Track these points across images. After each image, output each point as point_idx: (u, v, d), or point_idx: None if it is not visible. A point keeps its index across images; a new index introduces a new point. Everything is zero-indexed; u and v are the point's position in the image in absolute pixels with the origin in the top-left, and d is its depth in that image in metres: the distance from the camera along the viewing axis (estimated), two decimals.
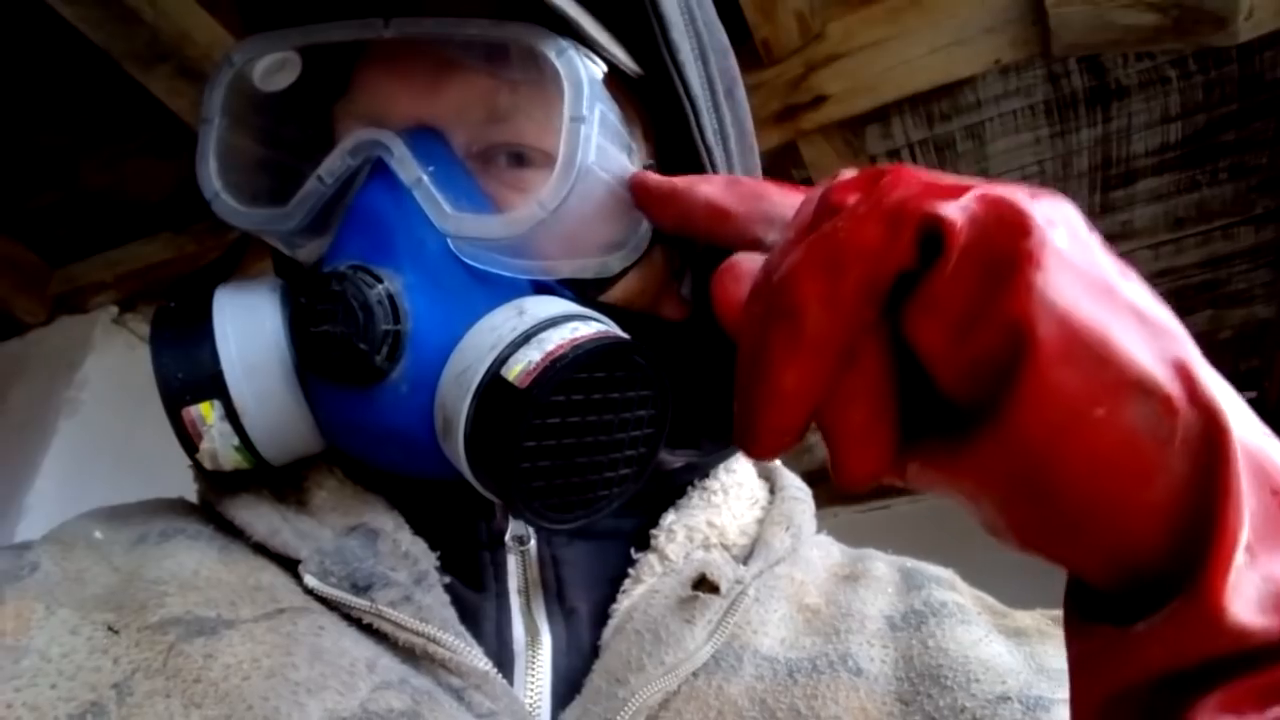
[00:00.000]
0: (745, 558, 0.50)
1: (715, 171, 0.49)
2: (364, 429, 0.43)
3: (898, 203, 0.28)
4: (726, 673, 0.43)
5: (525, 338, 0.40)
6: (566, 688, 0.43)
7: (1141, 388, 0.25)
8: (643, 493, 0.49)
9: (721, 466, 0.54)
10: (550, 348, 0.39)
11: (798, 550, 0.52)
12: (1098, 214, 2.06)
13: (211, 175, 0.47)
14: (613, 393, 0.41)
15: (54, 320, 2.08)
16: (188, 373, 0.43)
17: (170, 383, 0.43)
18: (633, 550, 0.48)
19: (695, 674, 0.42)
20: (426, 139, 0.44)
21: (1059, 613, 0.51)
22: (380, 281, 0.41)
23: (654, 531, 0.49)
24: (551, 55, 0.42)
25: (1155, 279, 2.23)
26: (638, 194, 0.43)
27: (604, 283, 0.47)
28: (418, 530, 0.46)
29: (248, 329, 0.44)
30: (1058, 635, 0.48)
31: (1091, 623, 0.28)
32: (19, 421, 1.93)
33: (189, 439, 0.43)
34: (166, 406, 0.43)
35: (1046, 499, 0.26)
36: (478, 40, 0.44)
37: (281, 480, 0.48)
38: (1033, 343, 0.25)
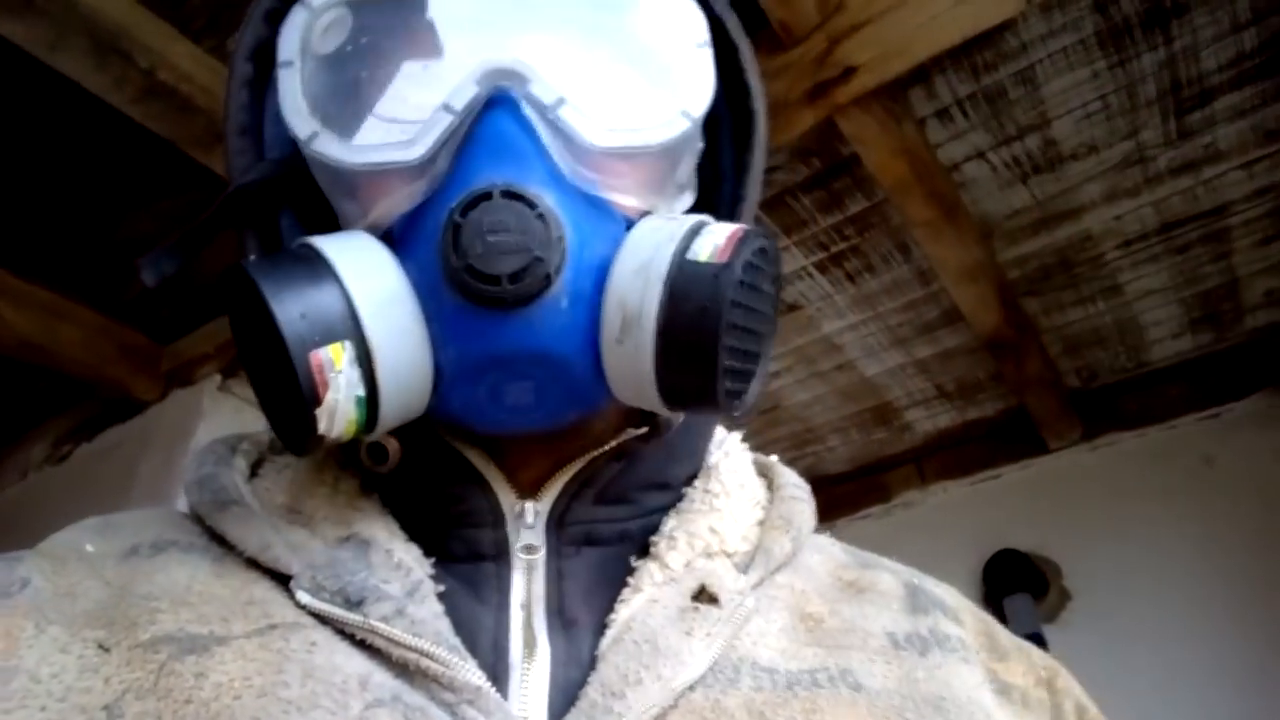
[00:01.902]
0: (746, 565, 0.49)
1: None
2: (510, 358, 0.42)
3: None
4: (724, 685, 0.42)
5: (694, 231, 0.43)
6: (563, 700, 0.42)
7: None
8: (649, 488, 0.50)
9: (722, 467, 0.54)
10: (729, 233, 0.42)
11: (798, 555, 0.51)
12: (1175, 141, 1.94)
13: (305, 114, 0.45)
14: (761, 282, 0.43)
15: (168, 395, 2.23)
16: (315, 311, 0.39)
17: (295, 324, 0.38)
18: (632, 558, 0.48)
19: (692, 687, 0.41)
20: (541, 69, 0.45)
21: (1053, 666, 0.52)
22: (540, 196, 0.41)
23: (654, 538, 0.49)
24: None
25: (1253, 200, 2.09)
26: None
27: None
28: (412, 535, 0.46)
29: (368, 266, 0.42)
30: (1040, 708, 0.49)
31: None
32: (148, 493, 2.08)
33: (313, 390, 0.39)
34: (294, 350, 0.38)
35: None
36: None
37: (271, 493, 0.49)
38: None
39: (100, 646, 0.39)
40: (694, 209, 0.55)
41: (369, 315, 0.40)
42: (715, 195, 0.56)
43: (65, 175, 1.87)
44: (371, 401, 0.40)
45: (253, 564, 0.44)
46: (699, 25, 0.49)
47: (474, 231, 0.40)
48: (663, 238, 0.42)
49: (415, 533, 0.47)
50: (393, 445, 0.47)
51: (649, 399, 0.43)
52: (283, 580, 0.43)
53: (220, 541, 0.46)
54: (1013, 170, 2.01)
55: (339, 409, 0.39)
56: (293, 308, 0.39)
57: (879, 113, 1.69)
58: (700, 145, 0.51)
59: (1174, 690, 2.20)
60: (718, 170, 0.56)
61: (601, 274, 0.42)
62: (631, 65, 0.48)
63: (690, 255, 0.41)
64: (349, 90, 0.47)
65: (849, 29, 1.57)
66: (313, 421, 0.39)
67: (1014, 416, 2.74)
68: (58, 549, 0.45)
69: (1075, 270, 2.29)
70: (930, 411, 2.80)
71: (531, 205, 0.40)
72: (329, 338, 0.39)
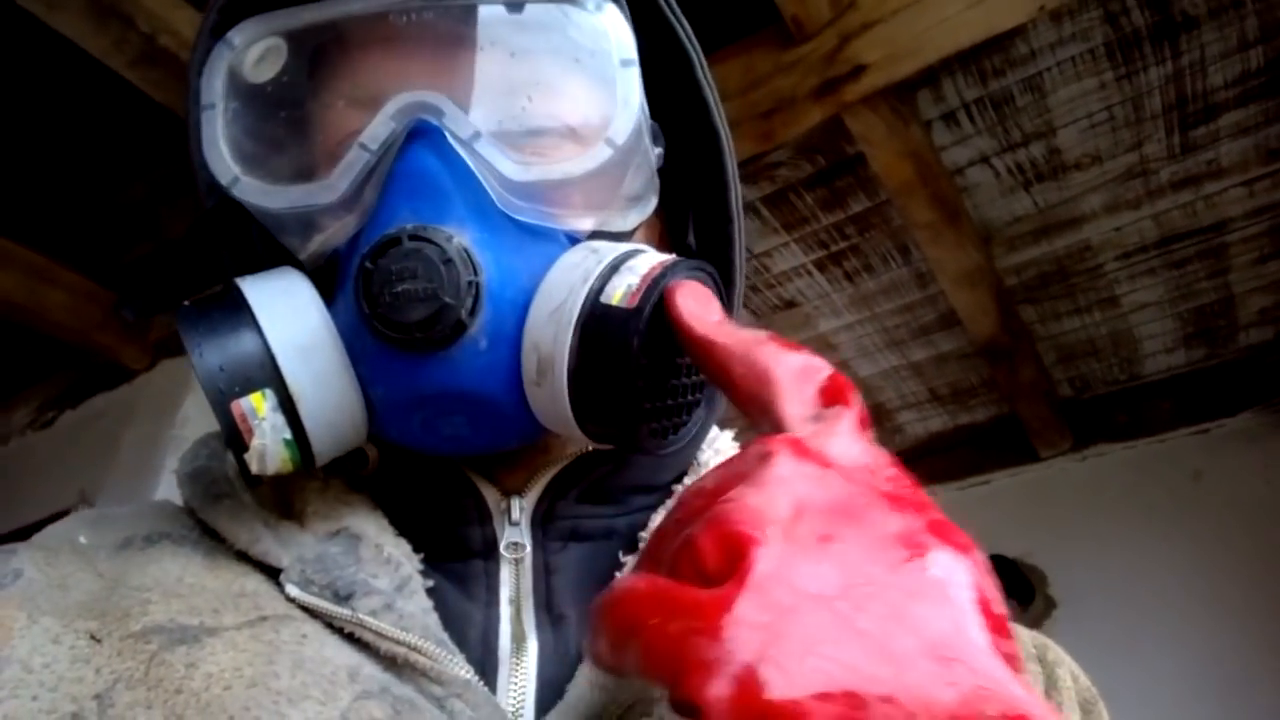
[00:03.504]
0: None
1: (719, 115, 0.53)
2: (434, 397, 0.41)
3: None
4: None
5: (613, 268, 0.41)
6: (551, 693, 0.42)
7: None
8: (635, 490, 0.50)
9: (712, 463, 0.53)
10: (645, 270, 0.40)
11: None
12: (1178, 156, 1.94)
13: (226, 160, 0.44)
14: None
15: (156, 365, 2.21)
16: (234, 363, 0.40)
17: (215, 377, 0.39)
18: (621, 554, 0.48)
19: None
20: (460, 102, 0.44)
21: (1043, 642, 0.53)
22: (451, 237, 0.40)
23: (642, 534, 0.48)
24: (590, 6, 0.45)
25: (1252, 218, 2.09)
26: (671, 315, 0.39)
27: (620, 236, 0.48)
28: (402, 531, 0.46)
29: (290, 311, 0.42)
30: (1034, 680, 0.50)
31: None
32: (132, 463, 2.06)
33: (238, 437, 0.40)
34: (214, 403, 0.39)
35: None
36: (503, 8, 0.45)
37: (263, 489, 0.48)
38: None
39: (92, 637, 0.39)
40: (672, 210, 0.54)
41: (288, 362, 0.40)
42: (698, 201, 0.55)
43: (59, 137, 1.84)
44: (301, 441, 0.41)
45: (243, 557, 0.44)
46: (624, 41, 0.45)
47: (382, 279, 0.40)
48: (578, 278, 0.41)
49: (404, 529, 0.47)
50: (371, 450, 0.47)
51: (578, 438, 0.42)
52: (273, 573, 0.43)
53: (212, 535, 0.46)
54: (1016, 177, 2.00)
55: (268, 452, 0.40)
56: (212, 360, 0.40)
57: (886, 113, 1.68)
58: (658, 150, 0.50)
59: (1156, 702, 2.21)
60: (694, 174, 0.55)
61: (524, 312, 0.41)
62: (550, 92, 0.46)
63: (603, 298, 0.40)
64: (268, 130, 0.47)
65: (860, 27, 1.56)
66: (244, 464, 0.41)
67: (1005, 423, 2.75)
68: (51, 541, 0.45)
69: (1073, 280, 2.30)
70: (922, 415, 2.80)
71: (442, 248, 0.39)
72: (249, 387, 0.40)
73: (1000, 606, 0.26)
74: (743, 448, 0.32)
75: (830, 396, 0.32)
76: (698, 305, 0.38)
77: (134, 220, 2.00)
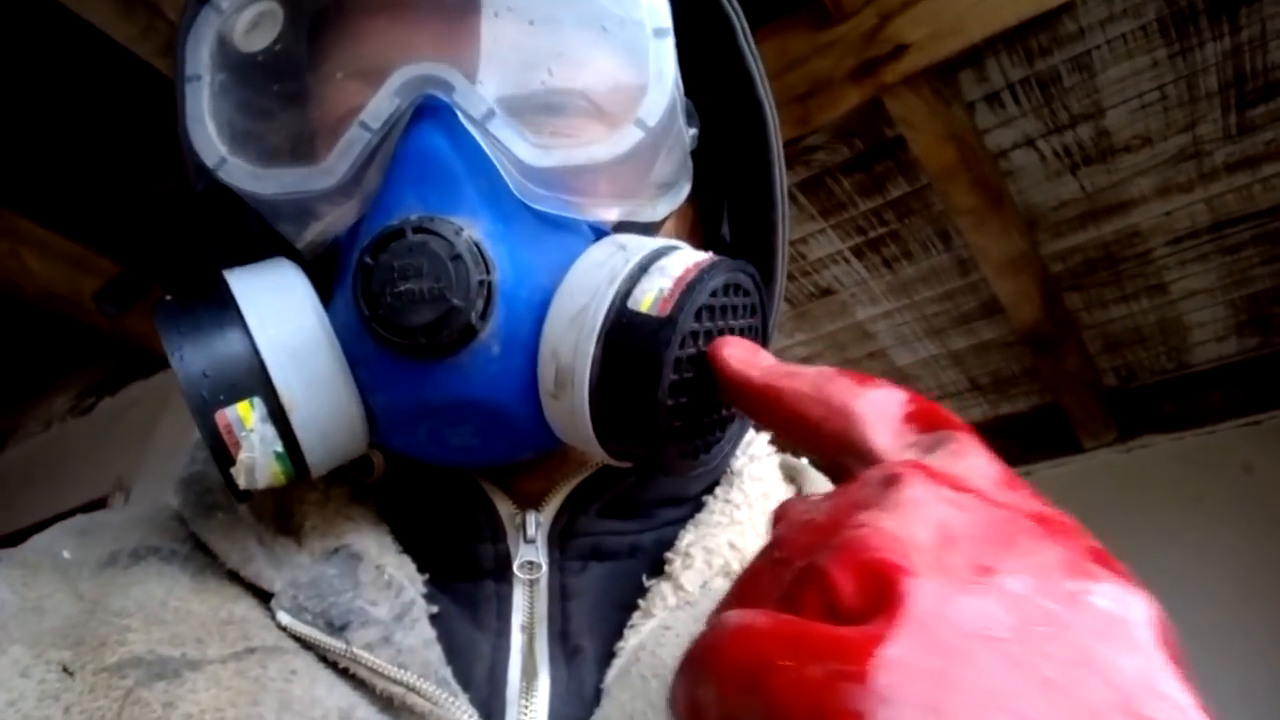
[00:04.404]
0: None
1: (761, 88, 0.50)
2: (441, 408, 0.38)
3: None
4: None
5: (642, 268, 0.37)
6: None
7: None
8: (663, 503, 0.47)
9: (746, 473, 0.49)
10: (678, 273, 0.36)
11: None
12: (1234, 136, 1.86)
13: (213, 138, 0.40)
14: (728, 320, 0.38)
15: None
16: (219, 368, 0.36)
17: (197, 383, 0.35)
18: (645, 577, 0.44)
19: None
20: (472, 76, 0.40)
21: None
22: (461, 230, 0.36)
23: (669, 555, 0.44)
24: None
25: None
26: (722, 371, 0.35)
27: (649, 227, 0.44)
28: (407, 547, 0.43)
29: (282, 309, 0.38)
30: None
31: None
32: (168, 449, 2.09)
33: (224, 451, 0.36)
34: (196, 412, 0.35)
35: None
36: None
37: (261, 498, 0.45)
38: None
39: (64, 669, 0.36)
40: (705, 198, 0.51)
41: (278, 367, 0.36)
42: (735, 185, 0.51)
43: (95, 127, 1.85)
44: (294, 453, 0.37)
45: (235, 577, 0.41)
46: (657, 8, 0.41)
47: (383, 277, 0.35)
48: (603, 279, 0.36)
49: (410, 545, 0.43)
50: (377, 457, 0.43)
51: (598, 455, 0.38)
52: (266, 597, 0.40)
53: (204, 549, 0.43)
54: (1062, 160, 1.94)
55: (256, 466, 0.37)
56: (195, 364, 0.36)
57: (928, 94, 1.63)
58: (693, 131, 0.46)
59: (1205, 700, 2.15)
60: (732, 156, 0.51)
61: (542, 313, 0.37)
62: (573, 65, 0.41)
63: (631, 303, 0.36)
64: (260, 105, 0.42)
65: (901, 4, 1.51)
66: (230, 479, 0.37)
67: (1048, 413, 2.69)
68: (33, 555, 0.43)
69: (1121, 266, 2.22)
70: (962, 404, 2.75)
71: (450, 243, 0.35)
72: (235, 395, 0.36)
73: (1181, 648, 0.23)
74: (840, 483, 0.28)
75: (924, 421, 0.29)
76: (747, 353, 0.34)
77: (167, 208, 2.00)
